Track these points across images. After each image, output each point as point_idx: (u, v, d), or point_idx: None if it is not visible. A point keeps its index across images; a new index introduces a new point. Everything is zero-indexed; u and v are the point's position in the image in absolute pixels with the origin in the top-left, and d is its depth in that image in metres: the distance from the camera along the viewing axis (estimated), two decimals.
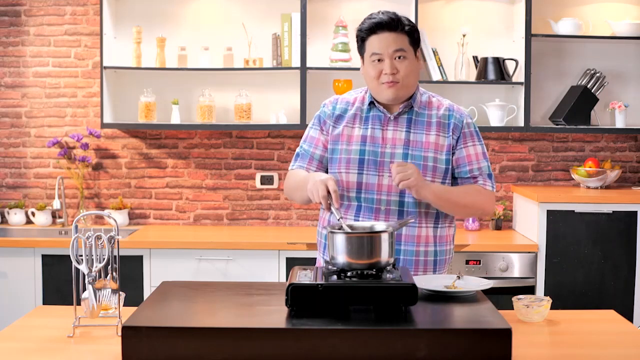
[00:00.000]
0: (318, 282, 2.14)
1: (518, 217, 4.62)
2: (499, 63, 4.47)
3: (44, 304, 4.13)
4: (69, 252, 2.27)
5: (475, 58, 4.58)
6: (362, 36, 2.66)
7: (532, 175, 4.75)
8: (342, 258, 2.24)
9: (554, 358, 2.16)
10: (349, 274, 2.23)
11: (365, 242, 2.24)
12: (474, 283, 2.46)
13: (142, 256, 4.18)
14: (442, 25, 4.62)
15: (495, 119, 4.50)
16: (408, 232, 2.65)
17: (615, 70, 4.65)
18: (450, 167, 2.69)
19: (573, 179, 4.65)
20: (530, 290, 4.14)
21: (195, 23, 4.64)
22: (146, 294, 4.13)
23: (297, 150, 2.82)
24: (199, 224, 4.77)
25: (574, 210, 4.18)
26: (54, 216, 4.70)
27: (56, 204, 4.60)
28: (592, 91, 4.52)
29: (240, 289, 2.45)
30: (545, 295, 3.72)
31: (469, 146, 2.70)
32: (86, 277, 2.27)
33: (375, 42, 2.62)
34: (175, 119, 4.53)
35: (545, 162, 4.74)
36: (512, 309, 2.48)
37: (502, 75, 4.47)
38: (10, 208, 4.66)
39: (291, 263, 4.11)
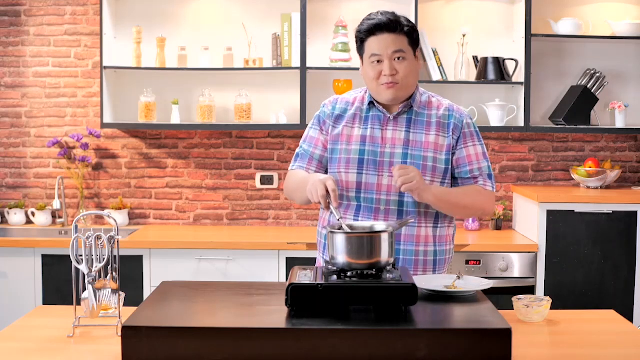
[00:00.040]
0: (318, 282, 2.14)
1: (518, 217, 4.62)
2: (499, 63, 4.47)
3: (44, 304, 4.13)
4: (69, 252, 2.27)
5: (475, 58, 4.58)
6: (361, 37, 2.65)
7: (532, 175, 4.75)
8: (342, 258, 2.24)
9: (554, 358, 2.17)
10: (349, 274, 2.23)
11: (365, 242, 2.24)
12: (474, 283, 2.46)
13: (142, 256, 4.18)
14: (442, 25, 4.62)
15: (495, 119, 4.50)
16: (407, 231, 2.65)
17: (615, 70, 4.65)
18: (449, 167, 2.69)
19: (573, 179, 4.65)
20: (530, 290, 4.14)
21: (195, 23, 4.64)
22: (146, 294, 4.13)
23: (297, 150, 2.82)
24: (199, 224, 4.77)
25: (574, 210, 4.18)
26: (54, 216, 4.70)
27: (56, 204, 4.60)
28: (592, 91, 4.52)
29: (240, 289, 2.45)
30: (545, 295, 3.72)
31: (469, 146, 2.70)
32: (86, 277, 2.27)
33: (374, 44, 2.62)
34: (175, 119, 4.53)
35: (545, 162, 4.75)
36: (512, 309, 2.48)
37: (502, 75, 4.47)
38: (10, 208, 4.66)
39: (291, 263, 4.11)
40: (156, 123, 4.54)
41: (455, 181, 2.73)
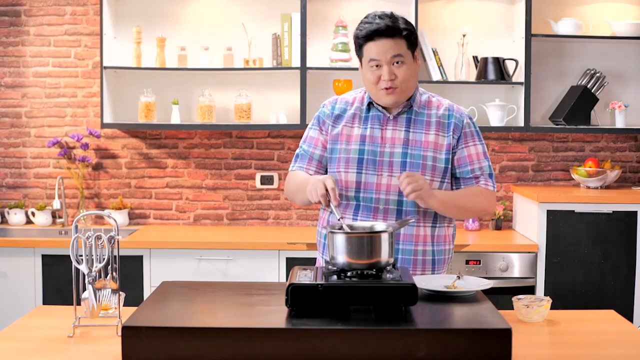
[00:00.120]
0: (318, 282, 2.14)
1: (518, 217, 4.62)
2: (499, 63, 4.47)
3: (44, 304, 4.13)
4: (69, 252, 2.27)
5: (475, 58, 4.58)
6: (360, 42, 2.65)
7: (532, 175, 4.75)
8: (342, 258, 2.24)
9: (554, 358, 2.17)
10: (349, 274, 2.23)
11: (365, 242, 2.24)
12: (474, 283, 2.46)
13: (142, 256, 4.18)
14: (442, 25, 4.62)
15: (495, 119, 4.50)
16: (406, 231, 2.65)
17: (615, 70, 4.65)
18: (449, 166, 2.69)
19: (573, 179, 4.65)
20: (530, 290, 4.14)
21: (195, 23, 4.64)
22: (146, 294, 4.13)
23: (297, 151, 2.82)
24: (199, 224, 4.77)
25: (574, 210, 4.18)
26: (54, 216, 4.70)
27: (56, 204, 4.60)
28: (592, 91, 4.52)
29: (240, 289, 2.45)
30: (545, 295, 3.72)
31: (469, 146, 2.71)
32: (86, 277, 2.27)
33: (372, 49, 2.61)
34: (175, 119, 4.53)
35: (545, 162, 4.75)
36: (512, 309, 2.48)
37: (502, 75, 4.47)
38: (10, 208, 4.66)
39: (291, 263, 4.11)
40: (156, 123, 4.54)
41: (457, 181, 2.73)
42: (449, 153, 2.68)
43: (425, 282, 2.45)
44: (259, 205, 4.76)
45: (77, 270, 2.30)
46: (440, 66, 4.51)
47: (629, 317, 4.11)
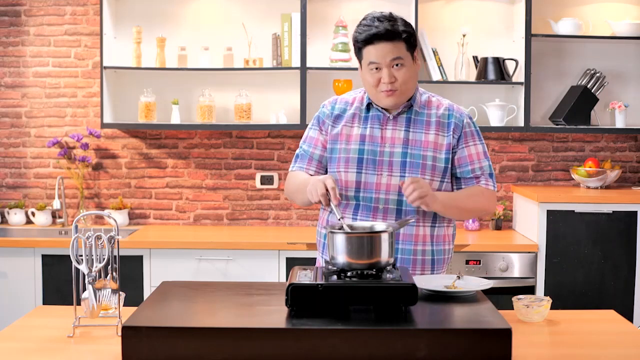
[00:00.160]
0: (318, 282, 2.14)
1: (518, 217, 4.62)
2: (499, 63, 4.47)
3: (44, 304, 4.13)
4: (69, 252, 2.27)
5: (475, 58, 4.58)
6: (359, 46, 2.64)
7: (532, 175, 4.75)
8: (342, 258, 2.24)
9: (554, 358, 2.17)
10: (349, 274, 2.23)
11: (365, 242, 2.24)
12: (474, 283, 2.46)
13: (142, 256, 4.18)
14: (442, 25, 4.62)
15: (495, 119, 4.50)
16: (406, 231, 2.65)
17: (615, 70, 4.65)
18: (449, 166, 2.69)
19: (573, 179, 4.65)
20: (530, 290, 4.14)
21: (195, 23, 4.64)
22: (146, 294, 4.13)
23: (297, 151, 2.82)
24: (199, 224, 4.77)
25: (574, 210, 4.18)
26: (54, 216, 4.70)
27: (56, 204, 4.60)
28: (592, 91, 4.52)
29: (240, 289, 2.45)
30: (545, 295, 3.72)
31: (470, 146, 2.71)
32: (86, 277, 2.27)
33: (372, 52, 2.60)
34: (175, 119, 4.53)
35: (545, 162, 4.75)
36: (512, 309, 2.48)
37: (502, 75, 4.47)
38: (10, 208, 4.66)
39: (291, 263, 4.11)
40: (156, 123, 4.54)
41: (457, 181, 2.73)
42: (449, 153, 2.68)
43: (425, 282, 2.45)
44: (259, 205, 4.76)
45: (77, 270, 2.30)
46: (440, 66, 4.51)
47: (629, 317, 4.11)
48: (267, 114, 4.62)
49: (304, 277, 2.19)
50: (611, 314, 2.61)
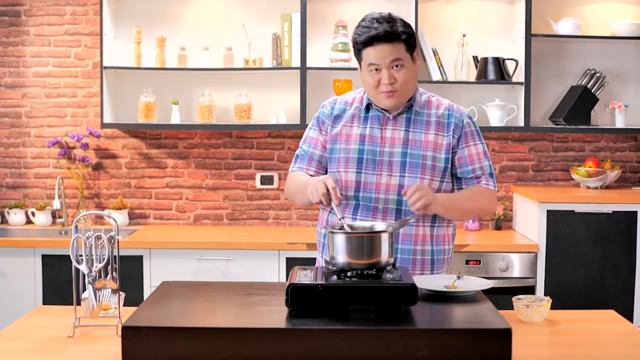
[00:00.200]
0: (318, 282, 2.14)
1: (518, 217, 4.62)
2: (499, 63, 4.47)
3: (44, 304, 4.13)
4: (69, 252, 2.27)
5: (475, 58, 4.58)
6: (358, 47, 2.64)
7: (532, 175, 4.75)
8: (342, 258, 2.24)
9: (554, 358, 2.16)
10: (349, 274, 2.23)
11: (365, 242, 2.24)
12: (474, 283, 2.46)
13: (142, 256, 4.18)
14: (442, 25, 4.62)
15: (495, 119, 4.50)
16: (405, 230, 2.65)
17: (615, 70, 4.65)
18: (449, 166, 2.69)
19: (573, 179, 4.65)
20: (530, 290, 4.14)
21: (195, 23, 4.64)
22: (146, 294, 4.13)
23: (297, 151, 2.82)
24: (199, 224, 4.77)
25: (574, 210, 4.18)
26: (54, 216, 4.70)
27: (56, 204, 4.60)
28: (592, 91, 4.52)
29: (240, 289, 2.45)
30: (545, 295, 3.72)
31: (470, 146, 2.71)
32: (86, 277, 2.27)
33: (371, 54, 2.60)
34: (175, 119, 4.53)
35: (545, 162, 4.75)
36: (512, 309, 2.48)
37: (502, 75, 4.47)
38: (10, 208, 4.66)
39: (291, 263, 4.11)
40: (156, 123, 4.54)
41: (458, 181, 2.73)
42: (449, 153, 2.68)
43: (425, 282, 2.45)
44: (259, 205, 4.76)
45: (77, 270, 2.30)
46: (440, 66, 4.51)
47: (629, 317, 4.11)
48: (267, 114, 4.62)
49: (304, 277, 2.19)
50: (611, 314, 2.61)
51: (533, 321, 2.44)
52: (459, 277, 2.48)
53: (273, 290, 2.41)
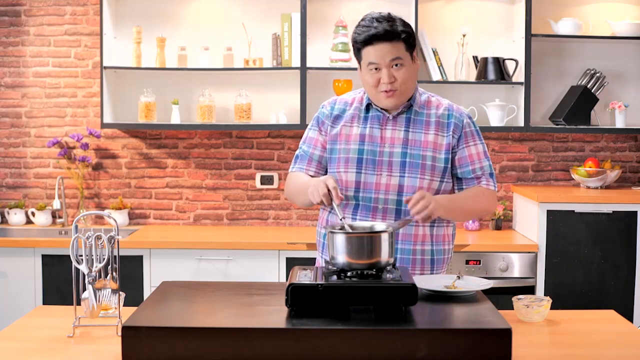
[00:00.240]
0: (318, 282, 2.14)
1: (518, 217, 4.62)
2: (499, 63, 4.47)
3: (44, 304, 4.13)
4: (69, 252, 2.27)
5: (475, 58, 4.58)
6: (358, 47, 2.64)
7: (532, 175, 4.75)
8: (342, 258, 2.24)
9: (554, 358, 2.16)
10: (349, 274, 2.23)
11: (365, 242, 2.24)
12: (474, 283, 2.46)
13: (142, 256, 4.18)
14: (442, 25, 4.62)
15: (495, 119, 4.50)
16: (405, 230, 2.65)
17: (615, 70, 4.65)
18: (449, 166, 2.69)
19: (573, 179, 4.65)
20: (530, 290, 4.14)
21: (195, 23, 4.64)
22: (146, 294, 4.13)
23: (297, 152, 2.83)
24: (199, 224, 4.77)
25: (574, 210, 4.18)
26: (54, 216, 4.70)
27: (56, 204, 4.60)
28: (592, 91, 4.52)
29: (240, 289, 2.45)
30: (545, 295, 3.72)
31: (470, 146, 2.71)
32: (86, 277, 2.27)
33: (371, 53, 2.60)
34: (175, 119, 4.53)
35: (545, 162, 4.75)
36: (512, 309, 2.48)
37: (502, 75, 4.47)
38: (10, 208, 4.66)
39: (291, 263, 4.11)
40: (156, 123, 4.54)
41: (458, 181, 2.73)
42: (449, 153, 2.68)
43: (425, 282, 2.45)
44: (259, 205, 4.76)
45: (77, 270, 2.30)
46: (440, 66, 4.51)
47: (629, 317, 4.11)
48: (267, 114, 4.62)
49: (304, 277, 2.19)
50: (611, 314, 2.61)
51: (533, 321, 2.44)
52: (459, 277, 2.48)
53: (273, 290, 2.41)
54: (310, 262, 3.37)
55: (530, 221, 4.35)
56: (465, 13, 4.63)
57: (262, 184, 4.74)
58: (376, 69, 2.61)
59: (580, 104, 4.48)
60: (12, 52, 4.69)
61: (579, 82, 4.59)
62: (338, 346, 1.99)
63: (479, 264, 4.15)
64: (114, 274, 2.32)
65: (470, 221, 4.58)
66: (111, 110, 4.56)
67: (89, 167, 4.72)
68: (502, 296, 3.17)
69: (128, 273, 3.97)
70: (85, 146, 4.63)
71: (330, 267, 2.28)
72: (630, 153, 4.76)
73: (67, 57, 4.70)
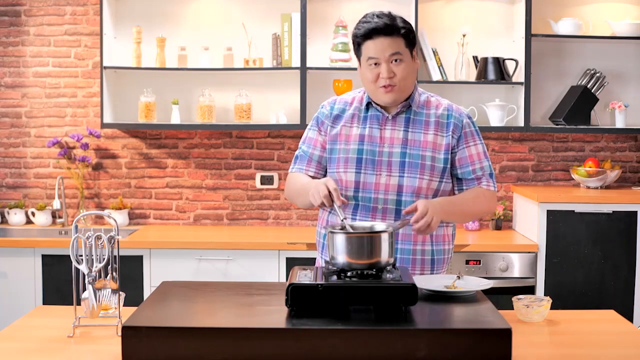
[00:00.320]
0: (318, 282, 2.14)
1: (518, 217, 4.62)
2: (499, 63, 4.47)
3: (44, 304, 4.13)
4: (69, 252, 2.27)
5: (475, 58, 4.58)
6: (358, 41, 2.65)
7: (532, 175, 4.75)
8: (342, 258, 2.24)
9: (554, 358, 2.16)
10: (349, 274, 2.23)
11: (365, 242, 2.24)
12: (474, 283, 2.46)
13: (142, 256, 4.18)
14: (442, 25, 4.62)
15: (495, 119, 4.50)
16: (405, 230, 2.65)
17: (615, 70, 4.65)
18: (448, 166, 2.69)
19: (573, 179, 4.65)
20: (530, 290, 4.14)
21: (195, 23, 4.64)
22: (146, 294, 4.13)
23: (297, 152, 2.83)
24: (199, 224, 4.77)
25: (574, 210, 4.18)
26: (54, 216, 4.70)
27: (56, 204, 4.60)
28: (592, 91, 4.52)
29: (240, 289, 2.45)
30: (545, 295, 3.72)
31: (470, 146, 2.70)
32: (86, 277, 2.27)
33: (371, 47, 2.61)
34: (175, 119, 4.53)
35: (545, 162, 4.75)
36: (512, 309, 2.48)
37: (502, 75, 4.47)
38: (10, 208, 4.66)
39: (291, 263, 4.11)
40: (156, 123, 4.54)
41: (459, 182, 2.73)
42: (448, 153, 2.68)
43: (425, 282, 2.45)
44: (259, 205, 4.76)
45: (77, 270, 2.30)
46: (440, 66, 4.51)
47: (629, 317, 4.11)
48: (267, 114, 4.62)
49: (304, 277, 2.19)
50: (611, 314, 2.61)
51: (533, 321, 2.44)
52: (459, 277, 2.48)
53: (273, 290, 2.41)
54: (310, 262, 3.37)
55: (530, 221, 4.35)
56: (465, 13, 4.63)
57: (262, 184, 4.74)
58: (375, 64, 2.62)
59: (580, 104, 4.48)
60: (12, 52, 4.69)
61: (579, 82, 4.59)
62: (338, 346, 1.99)
63: (479, 264, 4.15)
64: (114, 274, 2.32)
65: (470, 221, 4.58)
66: (111, 110, 4.56)
67: (89, 167, 4.72)
68: (502, 296, 3.17)
69: (128, 273, 3.97)
70: (85, 146, 4.63)
71: (330, 267, 2.28)
72: (630, 153, 4.76)
73: (67, 57, 4.70)
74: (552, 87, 4.66)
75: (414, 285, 2.13)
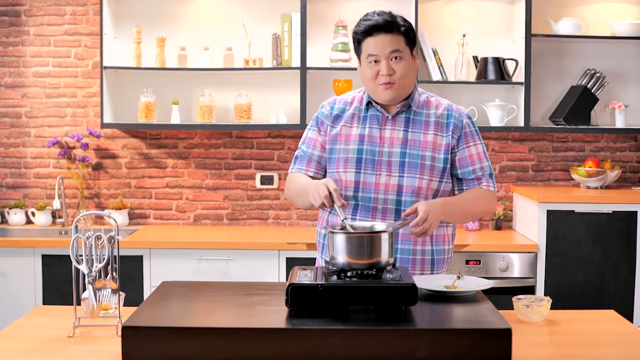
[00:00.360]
0: (318, 282, 2.14)
1: (518, 217, 4.62)
2: (499, 63, 4.47)
3: (44, 304, 4.13)
4: (69, 252, 2.27)
5: (475, 58, 4.58)
6: (358, 38, 2.65)
7: (532, 175, 4.75)
8: (342, 258, 2.24)
9: (554, 358, 2.16)
10: (349, 274, 2.23)
11: (365, 242, 2.24)
12: (474, 283, 2.46)
13: (142, 256, 4.18)
14: (442, 25, 4.62)
15: (495, 119, 4.50)
16: (405, 230, 2.64)
17: (615, 70, 4.65)
18: (448, 166, 2.69)
19: (573, 179, 4.65)
20: (530, 290, 4.14)
21: (195, 23, 4.64)
22: (146, 294, 4.13)
23: (296, 152, 2.83)
24: (199, 224, 4.77)
25: (574, 210, 4.18)
26: (54, 216, 4.70)
27: (56, 204, 4.60)
28: (592, 91, 4.52)
29: (240, 289, 2.45)
30: (545, 295, 3.72)
31: (470, 146, 2.70)
32: (86, 277, 2.27)
33: (371, 44, 2.62)
34: (175, 119, 4.53)
35: (545, 162, 4.75)
36: (512, 309, 2.48)
37: (502, 75, 4.47)
38: (10, 208, 4.66)
39: (291, 263, 4.11)
40: (156, 123, 4.54)
41: (459, 182, 2.73)
42: (448, 153, 2.68)
43: (425, 282, 2.45)
44: (259, 205, 4.76)
45: (77, 270, 2.30)
46: (440, 66, 4.51)
47: (629, 317, 4.11)
48: (267, 114, 4.62)
49: (304, 277, 2.19)
50: (611, 314, 2.61)
51: (533, 321, 2.44)
52: (459, 277, 2.48)
53: (273, 290, 2.41)
54: (310, 262, 3.37)
55: (530, 221, 4.35)
56: (465, 13, 4.63)
57: (262, 184, 4.74)
58: (375, 61, 2.62)
59: (580, 104, 4.48)
60: (12, 52, 4.69)
61: (579, 82, 4.59)
62: (338, 346, 1.99)
63: (479, 264, 4.15)
64: (114, 274, 2.32)
65: (471, 221, 4.58)
66: (111, 110, 4.56)
67: (89, 167, 4.72)
68: (502, 296, 3.17)
69: (128, 273, 3.97)
70: (85, 146, 4.63)
71: (330, 267, 2.28)
72: (630, 153, 4.76)
73: (67, 57, 4.70)
74: (552, 87, 4.66)
75: (414, 285, 2.13)
